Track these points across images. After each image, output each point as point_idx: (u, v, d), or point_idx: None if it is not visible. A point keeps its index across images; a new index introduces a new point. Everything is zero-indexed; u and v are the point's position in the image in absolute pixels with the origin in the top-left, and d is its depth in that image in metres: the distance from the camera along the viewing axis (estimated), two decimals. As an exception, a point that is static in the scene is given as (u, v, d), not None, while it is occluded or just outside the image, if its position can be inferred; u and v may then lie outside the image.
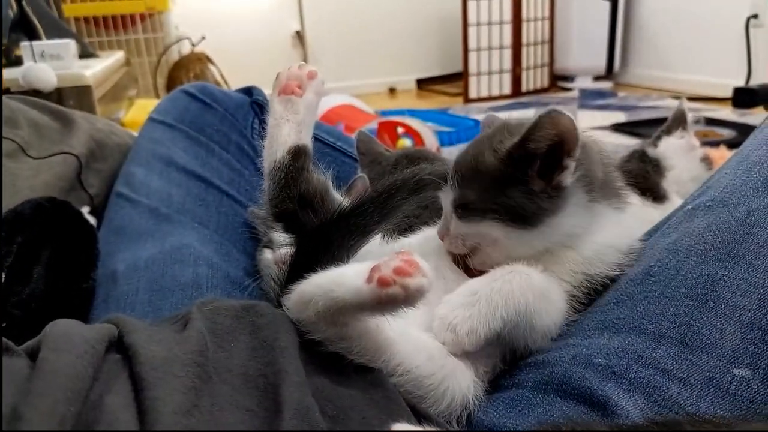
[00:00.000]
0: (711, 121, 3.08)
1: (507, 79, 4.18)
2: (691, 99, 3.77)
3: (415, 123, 2.75)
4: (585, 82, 4.39)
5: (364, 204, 0.63)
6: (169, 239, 0.94)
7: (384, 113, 3.28)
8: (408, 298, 0.51)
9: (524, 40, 4.14)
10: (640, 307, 0.61)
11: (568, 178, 0.65)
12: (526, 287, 0.63)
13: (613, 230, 0.69)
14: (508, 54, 4.12)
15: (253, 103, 1.18)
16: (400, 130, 2.70)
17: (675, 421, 0.45)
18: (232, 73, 3.52)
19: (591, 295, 0.68)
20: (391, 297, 0.51)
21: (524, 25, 4.12)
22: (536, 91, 4.30)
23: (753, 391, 0.51)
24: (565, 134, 0.62)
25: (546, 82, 4.37)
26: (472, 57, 4.07)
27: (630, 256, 0.68)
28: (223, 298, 0.69)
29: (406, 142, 2.70)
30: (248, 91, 1.21)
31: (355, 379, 0.56)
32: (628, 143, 2.91)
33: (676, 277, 0.61)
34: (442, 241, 0.71)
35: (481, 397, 0.62)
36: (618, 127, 3.19)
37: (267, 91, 1.21)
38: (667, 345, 0.56)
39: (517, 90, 4.20)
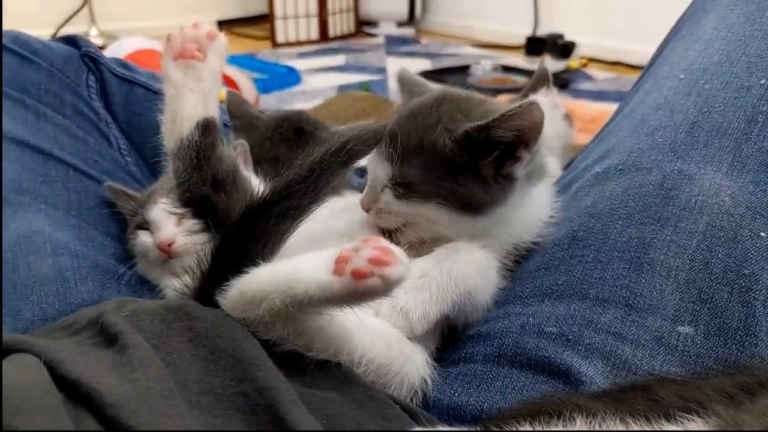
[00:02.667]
0: (507, 69, 3.31)
1: (314, 23, 4.09)
2: (486, 47, 4.02)
3: (231, 71, 2.60)
4: (388, 28, 4.46)
5: (294, 184, 0.57)
6: (12, 226, 0.78)
7: (191, 59, 3.04)
8: (387, 289, 0.47)
9: (329, -17, 4.08)
10: (576, 273, 0.63)
11: (520, 170, 0.64)
12: (472, 267, 0.63)
13: (538, 203, 0.70)
14: (314, -3, 4.03)
15: (84, 56, 1.01)
16: (214, 78, 2.53)
17: (645, 385, 0.48)
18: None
19: (518, 262, 0.69)
20: (369, 290, 0.47)
21: (329, -32, 4.05)
22: (343, 37, 4.28)
23: (698, 347, 0.56)
24: (533, 128, 0.61)
25: (352, 28, 4.37)
26: (278, -1, 3.92)
27: (551, 222, 0.70)
28: (131, 299, 0.59)
29: (221, 91, 2.55)
30: (72, 41, 1.03)
31: (322, 379, 0.51)
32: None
33: (606, 241, 0.64)
34: (366, 212, 0.67)
35: (435, 376, 0.61)
36: (426, 75, 3.30)
37: (43, 32, 1.03)
38: (613, 309, 0.59)
39: (324, 35, 4.14)
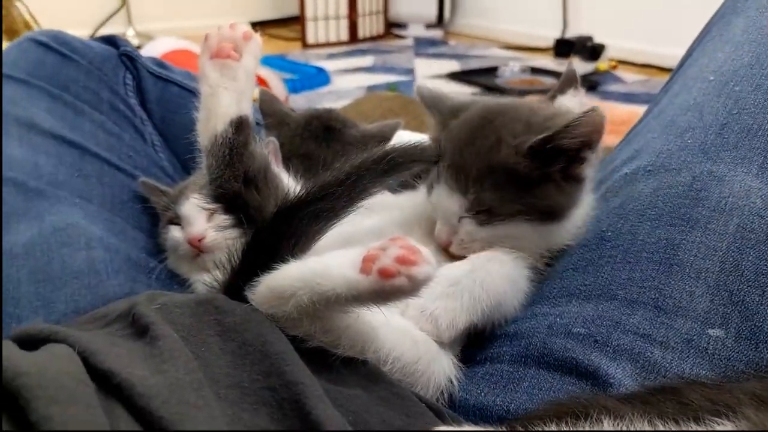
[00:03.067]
0: (535, 70, 3.29)
1: (344, 25, 4.12)
2: (514, 49, 4.00)
3: (262, 70, 2.63)
4: (417, 30, 4.47)
5: (330, 186, 0.58)
6: (48, 218, 0.80)
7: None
8: (414, 289, 0.48)
9: (359, -15, 4.10)
10: (604, 273, 0.63)
11: (588, 170, 0.64)
12: (504, 277, 0.63)
13: (584, 207, 0.70)
14: (344, -1, 4.06)
15: (122, 55, 1.03)
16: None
17: (675, 388, 0.47)
18: (43, 12, 3.08)
19: (549, 265, 0.69)
20: (396, 289, 0.47)
21: (359, -30, 4.07)
22: (372, 38, 4.30)
23: (729, 350, 0.55)
24: (597, 132, 0.61)
25: (381, 29, 4.39)
26: (309, 1, 3.95)
27: (584, 225, 0.70)
28: (162, 292, 0.60)
29: (255, 90, 2.57)
30: (111, 41, 1.06)
31: (348, 376, 0.52)
32: (465, 91, 3.03)
33: (634, 241, 0.64)
34: (447, 248, 0.68)
35: (461, 376, 0.61)
36: (454, 76, 3.29)
37: (82, 32, 1.07)
38: (641, 310, 0.59)
39: (354, 36, 4.17)
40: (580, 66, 3.24)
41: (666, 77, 0.89)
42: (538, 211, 0.64)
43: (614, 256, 0.64)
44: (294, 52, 3.89)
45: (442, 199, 0.67)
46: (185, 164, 1.01)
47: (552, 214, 0.65)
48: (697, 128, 0.69)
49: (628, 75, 3.22)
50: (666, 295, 0.59)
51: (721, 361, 0.55)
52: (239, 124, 0.63)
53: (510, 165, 0.63)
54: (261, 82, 2.54)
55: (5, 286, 0.74)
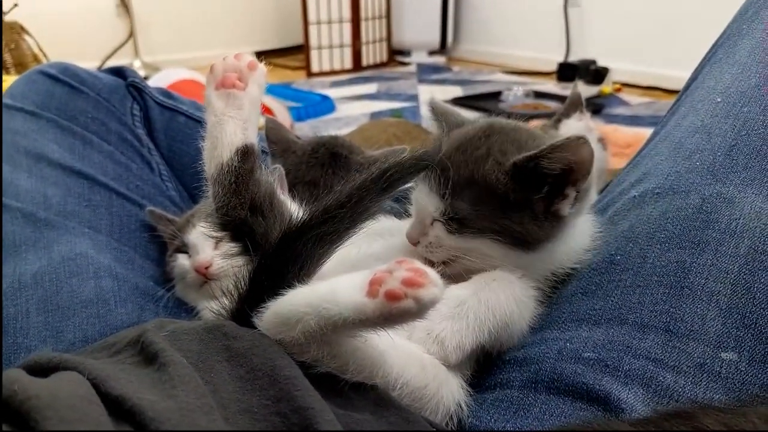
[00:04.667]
0: (538, 95, 3.31)
1: (348, 53, 4.17)
2: (518, 73, 4.03)
3: (267, 99, 2.65)
4: (420, 57, 4.52)
5: (332, 209, 0.58)
6: (56, 248, 0.81)
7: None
8: (421, 311, 0.47)
9: (362, 14, 4.15)
10: (614, 297, 0.62)
11: (566, 207, 0.63)
12: (510, 297, 0.62)
13: (581, 231, 0.69)
14: (348, 28, 4.11)
15: (130, 86, 1.04)
16: (250, 106, 2.58)
17: (689, 413, 0.47)
18: (51, 45, 3.13)
19: (555, 288, 0.68)
20: (403, 312, 0.47)
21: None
22: (376, 66, 4.34)
23: (742, 374, 0.54)
24: (580, 164, 0.60)
25: (385, 57, 4.43)
26: (313, 30, 4.01)
27: (590, 249, 0.69)
28: (171, 320, 0.60)
29: (260, 119, 2.60)
30: (119, 72, 1.07)
31: (357, 401, 0.51)
32: (469, 116, 3.04)
33: (644, 265, 0.63)
34: (414, 246, 0.67)
35: (470, 401, 0.60)
36: (457, 101, 3.31)
37: (90, 64, 1.09)
38: (653, 334, 0.58)
39: (357, 64, 4.21)
40: (584, 89, 3.25)
41: (671, 99, 0.90)
42: (509, 235, 0.63)
43: (624, 279, 0.63)
44: (299, 80, 3.94)
45: (421, 197, 0.67)
46: (192, 193, 1.02)
47: (524, 242, 0.64)
48: (706, 150, 0.69)
49: (632, 98, 3.23)
50: (677, 318, 0.58)
51: (735, 384, 0.54)
52: (245, 153, 0.63)
53: (491, 180, 0.62)
54: (266, 110, 2.56)
55: (15, 316, 0.74)
